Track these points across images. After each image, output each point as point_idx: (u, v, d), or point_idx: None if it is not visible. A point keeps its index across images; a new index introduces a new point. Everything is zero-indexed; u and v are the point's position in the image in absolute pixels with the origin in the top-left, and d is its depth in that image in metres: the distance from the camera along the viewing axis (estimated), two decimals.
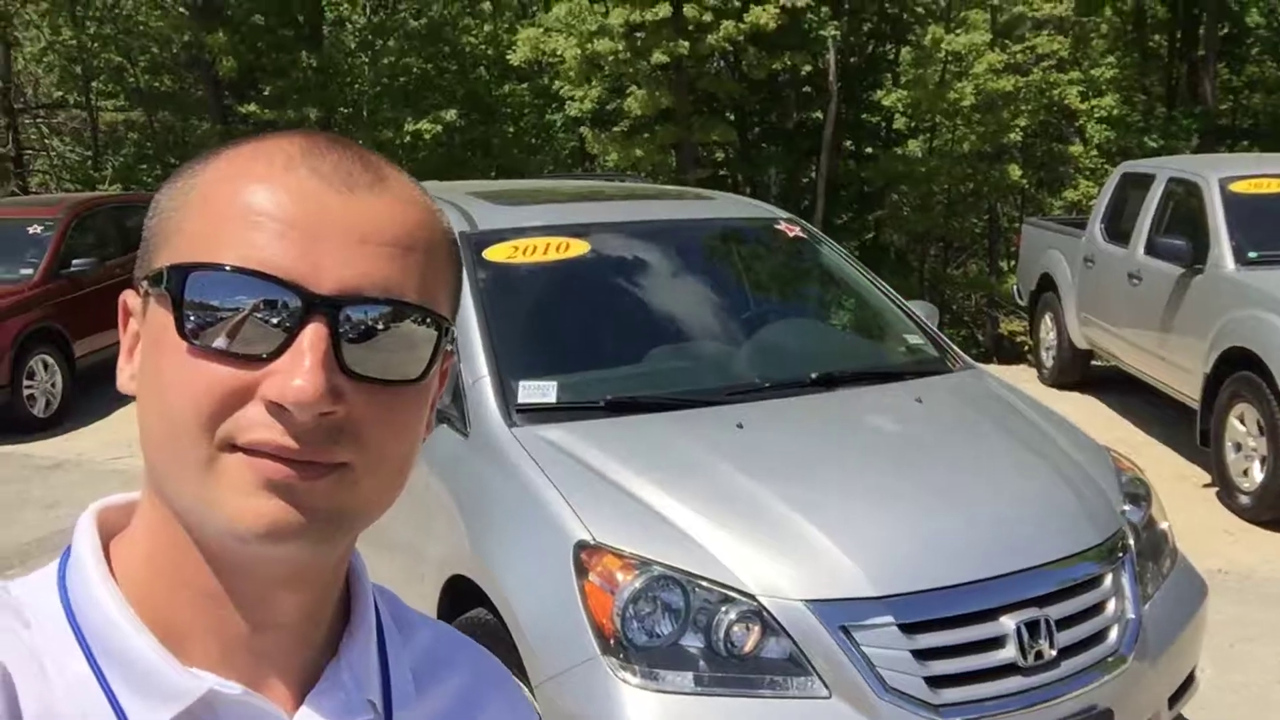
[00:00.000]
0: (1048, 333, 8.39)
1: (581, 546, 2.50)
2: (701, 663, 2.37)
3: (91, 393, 7.85)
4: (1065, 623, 2.55)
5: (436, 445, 3.16)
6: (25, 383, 7.55)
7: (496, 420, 2.95)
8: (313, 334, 0.58)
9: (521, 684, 0.84)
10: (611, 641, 2.38)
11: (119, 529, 0.67)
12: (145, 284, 0.63)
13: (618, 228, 3.74)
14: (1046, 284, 8.36)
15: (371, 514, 0.64)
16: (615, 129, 16.95)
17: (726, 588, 2.41)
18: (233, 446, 0.59)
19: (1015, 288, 9.52)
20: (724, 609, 2.39)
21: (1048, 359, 8.39)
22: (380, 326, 0.61)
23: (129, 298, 0.66)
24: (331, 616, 0.70)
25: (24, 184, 18.68)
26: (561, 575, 2.49)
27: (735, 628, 2.38)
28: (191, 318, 0.59)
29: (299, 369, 0.57)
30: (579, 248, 3.52)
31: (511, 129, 19.42)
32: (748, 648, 2.38)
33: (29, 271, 7.97)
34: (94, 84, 18.78)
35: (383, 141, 17.56)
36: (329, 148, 0.63)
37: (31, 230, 8.38)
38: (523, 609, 2.54)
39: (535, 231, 3.55)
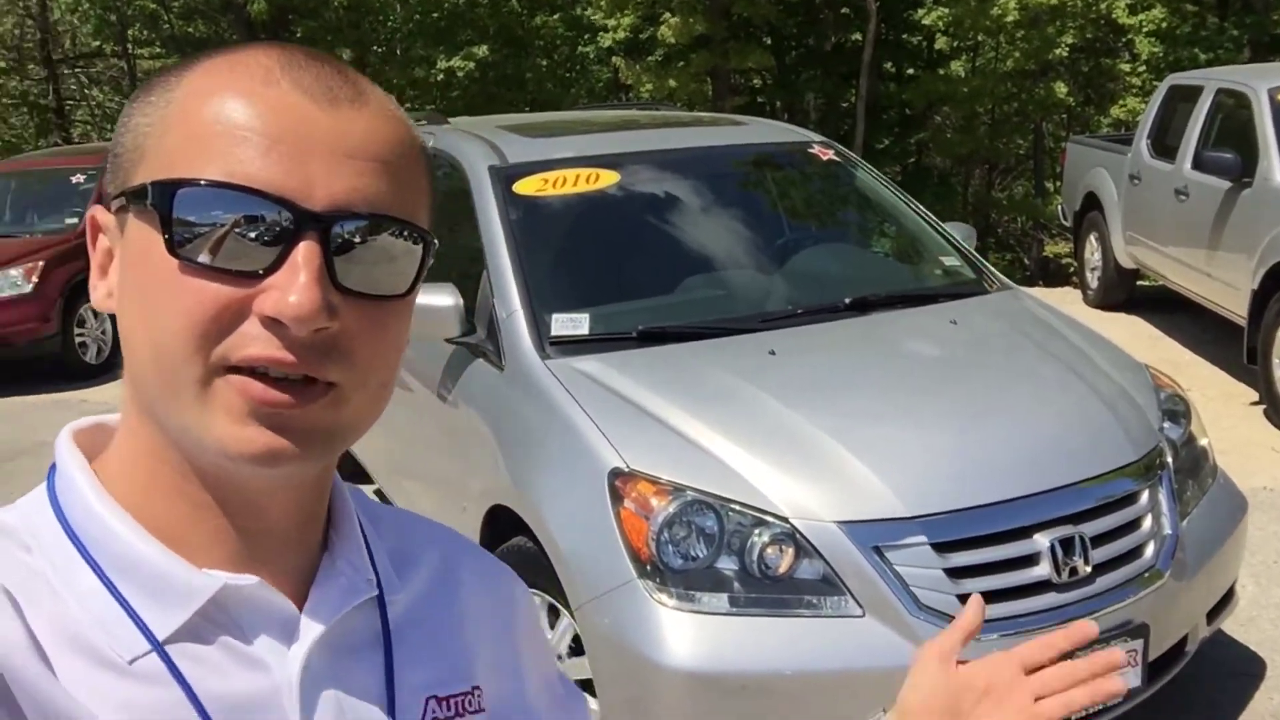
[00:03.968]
0: (1093, 253, 8.24)
1: (616, 474, 2.53)
2: (736, 584, 2.41)
3: None
4: (1101, 539, 2.55)
5: (474, 379, 3.20)
6: (76, 330, 7.73)
7: (530, 353, 2.97)
8: (306, 250, 0.59)
9: (488, 551, 0.88)
10: (648, 565, 2.42)
11: (97, 450, 0.68)
12: (123, 199, 0.62)
13: (648, 157, 3.71)
14: (1091, 203, 8.20)
15: (360, 429, 0.65)
16: (650, 59, 16.73)
17: (759, 511, 2.43)
18: (226, 368, 0.59)
19: (1060, 208, 9.35)
20: (757, 532, 2.42)
21: (1093, 280, 8.26)
22: (370, 242, 0.61)
23: (99, 213, 0.66)
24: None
25: (66, 134, 18.90)
26: (597, 502, 2.53)
27: (769, 550, 2.41)
28: (181, 235, 0.58)
29: (294, 285, 0.58)
30: (609, 178, 3.51)
31: (545, 62, 19.24)
32: (782, 569, 2.41)
33: (74, 221, 8.10)
34: (130, 32, 18.84)
35: (416, 80, 17.48)
36: (308, 61, 0.63)
37: (75, 179, 8.51)
38: (561, 536, 2.59)
39: (565, 163, 3.54)
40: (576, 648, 2.63)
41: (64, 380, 7.53)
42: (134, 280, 0.62)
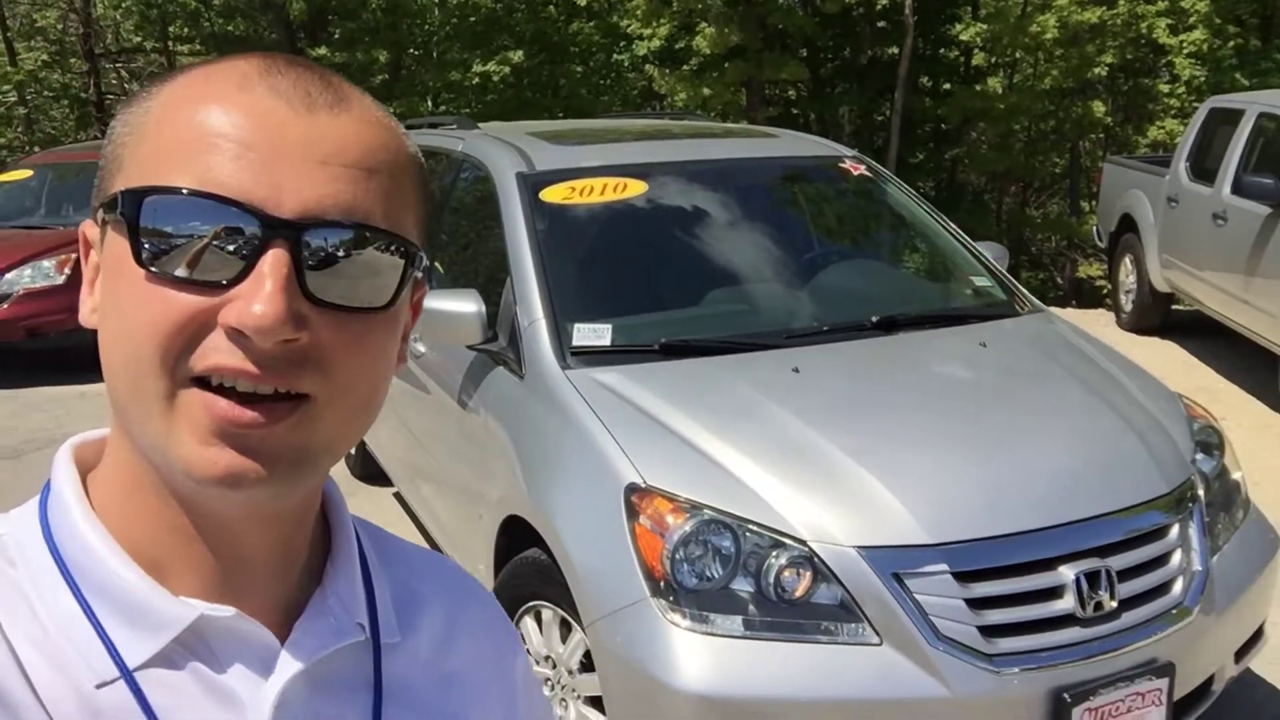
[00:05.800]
0: (1127, 275, 8.14)
1: (632, 490, 2.49)
2: (751, 607, 2.36)
3: None
4: (1127, 574, 2.48)
5: (493, 387, 3.17)
6: None
7: (551, 362, 2.94)
8: (273, 259, 0.57)
9: (495, 598, 0.85)
10: (661, 584, 2.38)
11: (95, 463, 0.67)
12: (102, 212, 0.61)
13: (677, 167, 3.68)
14: (1127, 225, 8.09)
15: (337, 450, 0.63)
16: (684, 68, 16.73)
17: (777, 533, 2.39)
18: (193, 380, 0.57)
19: (1095, 228, 9.25)
20: (774, 554, 2.37)
21: (1126, 303, 8.15)
22: (343, 252, 0.59)
23: (88, 228, 0.65)
24: (310, 549, 0.69)
25: (105, 128, 19.05)
26: (612, 518, 2.49)
27: (785, 573, 2.36)
28: (147, 244, 0.57)
29: (259, 294, 0.56)
30: (637, 188, 3.48)
31: (579, 69, 19.26)
32: (798, 593, 2.36)
33: None
34: (170, 29, 19.04)
35: (451, 83, 17.54)
36: (287, 67, 0.61)
37: None
38: (575, 550, 2.55)
39: (593, 172, 3.51)
40: (587, 664, 2.59)
41: (94, 372, 7.55)
42: (110, 292, 0.60)
